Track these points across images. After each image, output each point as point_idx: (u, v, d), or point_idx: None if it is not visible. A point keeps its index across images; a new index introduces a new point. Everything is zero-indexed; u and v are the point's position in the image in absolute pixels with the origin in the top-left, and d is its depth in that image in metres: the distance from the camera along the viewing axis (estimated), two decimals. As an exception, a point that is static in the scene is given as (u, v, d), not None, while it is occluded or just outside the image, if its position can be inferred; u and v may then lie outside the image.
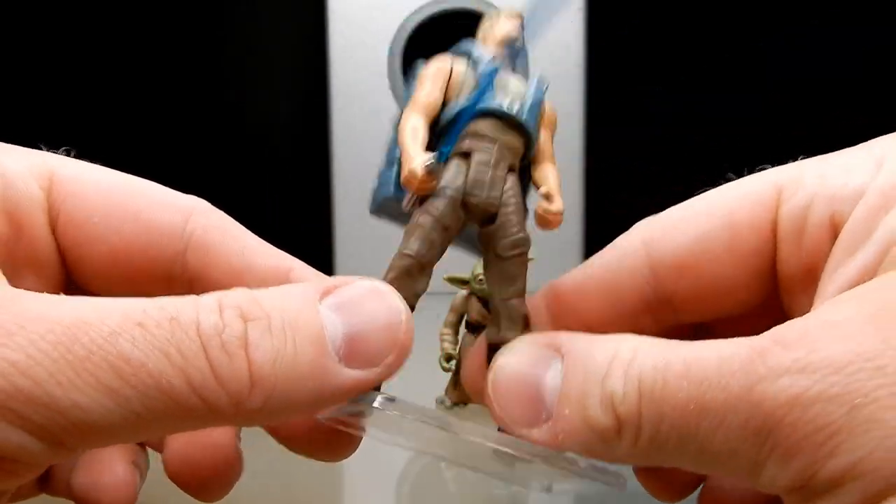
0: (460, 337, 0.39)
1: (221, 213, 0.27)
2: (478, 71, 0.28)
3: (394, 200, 0.27)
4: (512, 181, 0.27)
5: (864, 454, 0.15)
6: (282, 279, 0.25)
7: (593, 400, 0.19)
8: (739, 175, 0.25)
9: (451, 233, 0.26)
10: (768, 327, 0.18)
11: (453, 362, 0.37)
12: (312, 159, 0.80)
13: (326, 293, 0.20)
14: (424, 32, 0.79)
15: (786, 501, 0.18)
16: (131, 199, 0.26)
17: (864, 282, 0.19)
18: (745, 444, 0.17)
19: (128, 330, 0.17)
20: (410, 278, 0.26)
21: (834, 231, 0.21)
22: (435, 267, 0.26)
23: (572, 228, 0.77)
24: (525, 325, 0.25)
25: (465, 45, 0.29)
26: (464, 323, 0.39)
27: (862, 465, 0.15)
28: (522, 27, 0.30)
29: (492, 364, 0.22)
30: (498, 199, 0.26)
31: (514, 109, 0.27)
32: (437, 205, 0.26)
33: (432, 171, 0.25)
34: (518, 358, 0.21)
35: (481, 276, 0.36)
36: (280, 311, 0.19)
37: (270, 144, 0.85)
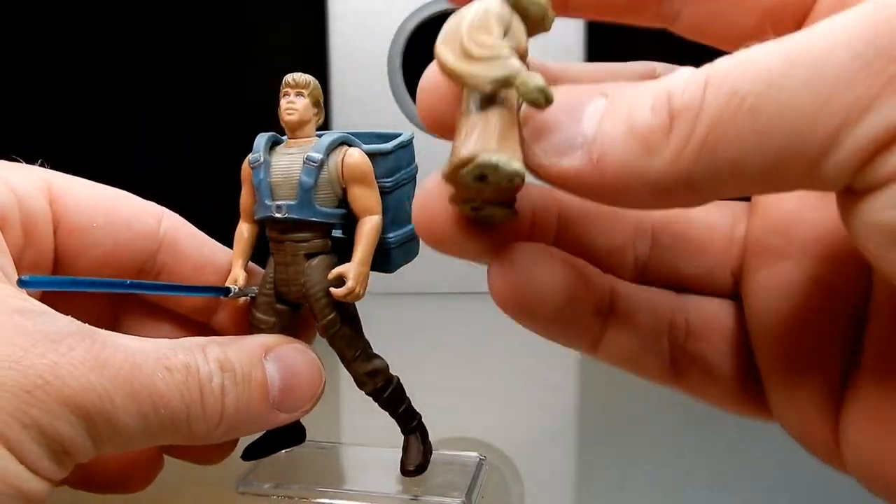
0: None
1: (181, 217, 0.32)
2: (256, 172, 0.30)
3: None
4: (312, 268, 0.29)
5: None
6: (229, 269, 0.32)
7: (642, 104, 0.16)
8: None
9: (282, 317, 0.30)
10: None
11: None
12: (313, 159, 0.80)
13: (268, 350, 0.27)
14: (424, 32, 0.79)
15: (863, 178, 0.15)
16: (119, 207, 0.30)
17: None
18: (853, 82, 0.14)
19: (160, 372, 0.23)
20: None
21: None
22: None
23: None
24: (370, 379, 0.31)
25: (258, 139, 0.30)
26: None
27: None
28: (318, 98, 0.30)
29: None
30: (301, 290, 0.30)
31: (283, 213, 0.29)
32: (258, 309, 0.30)
33: (232, 300, 0.30)
34: (558, 90, 0.18)
35: None
36: (240, 364, 0.26)
37: (271, 144, 0.85)
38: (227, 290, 0.30)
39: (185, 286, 0.30)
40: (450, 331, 0.62)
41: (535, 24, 0.23)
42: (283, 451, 0.33)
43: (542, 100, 0.18)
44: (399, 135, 0.31)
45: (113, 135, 0.90)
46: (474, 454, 0.37)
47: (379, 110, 0.79)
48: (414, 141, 0.32)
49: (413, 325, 0.66)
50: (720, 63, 0.16)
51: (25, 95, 0.89)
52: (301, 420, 0.33)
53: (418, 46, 0.80)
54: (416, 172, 0.32)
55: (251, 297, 0.31)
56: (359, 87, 0.79)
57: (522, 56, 0.21)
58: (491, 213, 0.21)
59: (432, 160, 0.67)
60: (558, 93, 0.18)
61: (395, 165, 0.31)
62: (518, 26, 0.22)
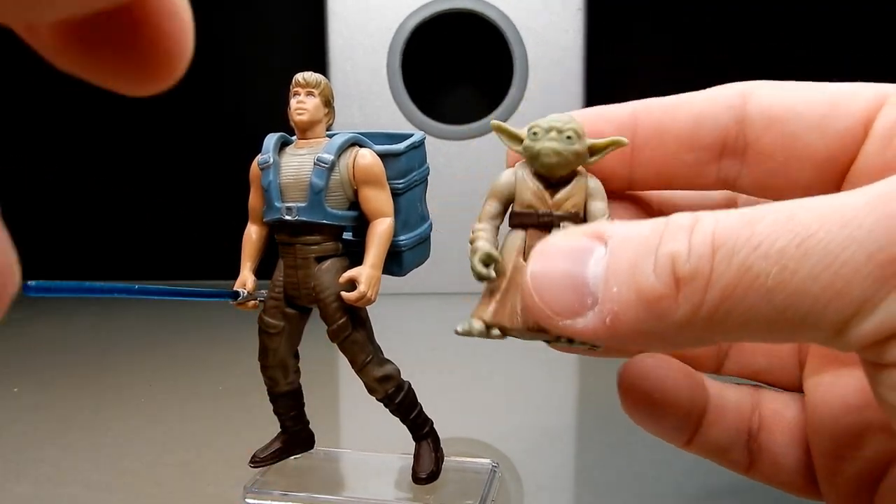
0: (500, 238, 0.25)
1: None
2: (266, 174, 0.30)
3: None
4: (322, 271, 0.29)
5: None
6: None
7: (646, 268, 0.17)
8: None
9: (291, 321, 0.30)
10: None
11: (493, 268, 0.24)
12: (312, 159, 0.80)
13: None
14: (424, 32, 0.79)
15: (870, 356, 0.16)
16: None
17: None
18: (861, 280, 0.15)
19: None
20: (281, 371, 0.31)
21: None
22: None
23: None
24: (381, 385, 0.30)
25: (267, 140, 0.30)
26: (508, 215, 0.25)
27: None
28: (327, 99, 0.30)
29: (529, 257, 0.19)
30: (311, 294, 0.29)
31: (293, 215, 0.29)
32: (267, 313, 0.30)
33: (241, 304, 0.30)
34: (557, 245, 0.19)
35: (538, 129, 0.23)
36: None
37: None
38: (235, 294, 0.29)
39: (192, 290, 0.30)
40: (451, 333, 0.62)
41: (569, 168, 0.24)
42: (292, 458, 0.33)
43: (477, 277, 0.23)
44: (410, 135, 0.31)
45: (111, 137, 0.89)
46: (487, 461, 0.36)
47: (379, 110, 0.78)
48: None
49: (414, 326, 0.66)
50: (724, 223, 0.16)
51: (31, 100, 0.88)
52: (309, 427, 0.33)
53: (418, 46, 0.80)
54: (428, 174, 0.32)
55: (261, 301, 0.30)
56: (359, 87, 0.78)
57: (527, 206, 0.24)
58: (579, 344, 0.22)
59: (441, 162, 0.66)
60: (560, 242, 0.19)
61: (406, 167, 0.30)
62: (525, 183, 0.24)
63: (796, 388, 0.26)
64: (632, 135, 0.23)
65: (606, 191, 0.24)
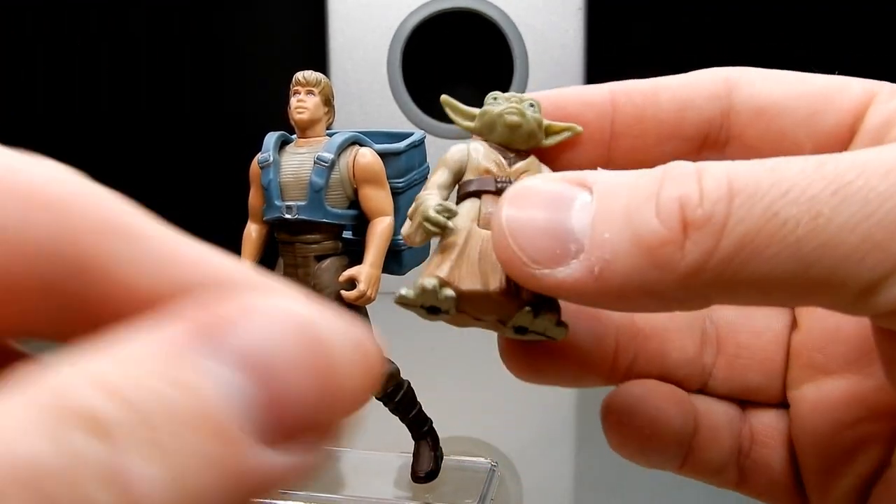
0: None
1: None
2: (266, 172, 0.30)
3: None
4: (322, 270, 0.29)
5: None
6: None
7: (645, 213, 0.15)
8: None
9: None
10: None
11: (452, 219, 0.20)
12: (312, 159, 0.80)
13: (208, 337, 0.10)
14: (424, 32, 0.79)
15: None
16: None
17: None
18: None
19: None
20: None
21: None
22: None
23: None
24: (380, 384, 0.28)
25: (267, 138, 0.31)
26: (458, 187, 0.22)
27: None
28: (327, 97, 0.31)
29: (502, 198, 0.17)
30: (311, 293, 0.28)
31: (293, 214, 0.29)
32: None
33: None
34: (536, 188, 0.17)
35: (498, 95, 0.21)
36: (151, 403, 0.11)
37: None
38: None
39: None
40: (450, 331, 0.62)
41: (529, 139, 0.21)
42: None
43: (432, 224, 0.18)
44: (410, 134, 0.31)
45: (111, 137, 0.89)
46: (485, 461, 0.36)
47: (379, 109, 0.78)
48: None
49: (414, 326, 0.66)
50: (741, 171, 0.15)
51: (31, 100, 0.88)
52: None
53: (418, 46, 0.80)
54: (429, 173, 0.32)
55: None
56: (359, 86, 0.78)
57: (483, 172, 0.21)
58: (540, 331, 0.19)
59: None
60: (539, 184, 0.17)
61: (406, 165, 0.30)
62: (480, 153, 0.21)
63: (780, 400, 0.25)
64: (610, 121, 0.22)
65: None
